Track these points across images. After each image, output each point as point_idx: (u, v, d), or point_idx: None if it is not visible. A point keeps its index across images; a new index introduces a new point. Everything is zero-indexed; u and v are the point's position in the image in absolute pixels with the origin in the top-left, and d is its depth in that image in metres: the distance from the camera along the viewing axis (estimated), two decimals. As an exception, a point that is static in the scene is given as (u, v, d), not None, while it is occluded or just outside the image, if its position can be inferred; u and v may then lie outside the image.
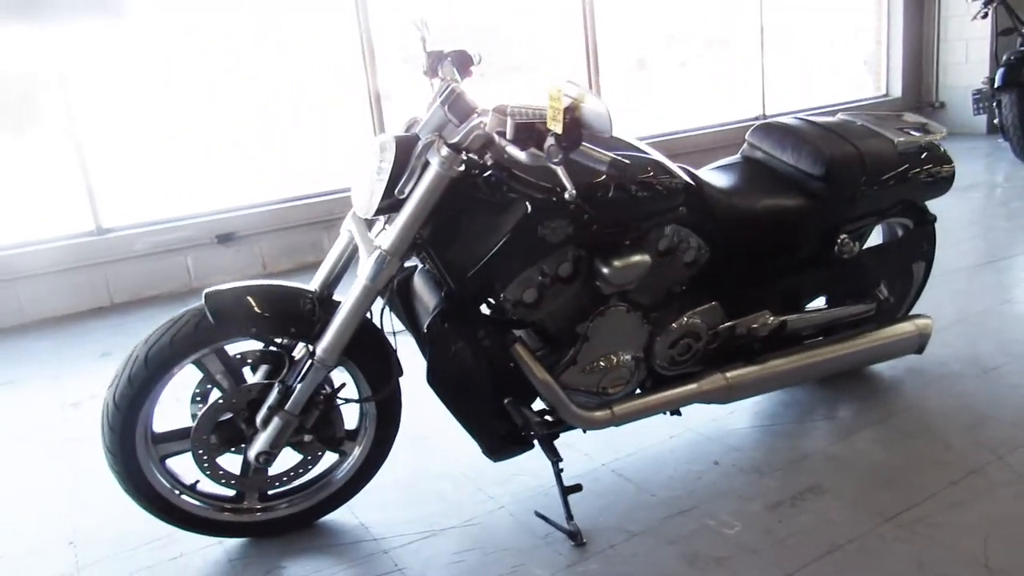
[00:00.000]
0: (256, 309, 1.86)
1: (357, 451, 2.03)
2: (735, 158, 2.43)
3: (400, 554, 1.95)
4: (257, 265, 4.64)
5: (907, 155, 2.32)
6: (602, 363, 1.99)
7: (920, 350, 2.44)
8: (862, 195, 2.25)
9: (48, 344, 3.73)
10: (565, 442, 2.11)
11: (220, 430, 1.91)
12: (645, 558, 1.85)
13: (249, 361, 1.95)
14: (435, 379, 1.87)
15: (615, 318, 1.97)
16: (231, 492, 1.99)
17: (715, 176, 2.28)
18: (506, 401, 1.95)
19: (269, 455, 1.88)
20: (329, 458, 2.06)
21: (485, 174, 1.75)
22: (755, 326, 2.18)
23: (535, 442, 2.00)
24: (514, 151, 1.60)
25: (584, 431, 2.08)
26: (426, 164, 1.73)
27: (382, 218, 1.92)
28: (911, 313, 2.58)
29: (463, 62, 2.03)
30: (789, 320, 2.25)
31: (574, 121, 1.50)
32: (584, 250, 1.89)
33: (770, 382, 2.25)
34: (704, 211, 2.05)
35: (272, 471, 1.98)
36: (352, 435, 2.04)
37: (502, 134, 1.62)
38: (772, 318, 2.21)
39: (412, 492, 2.20)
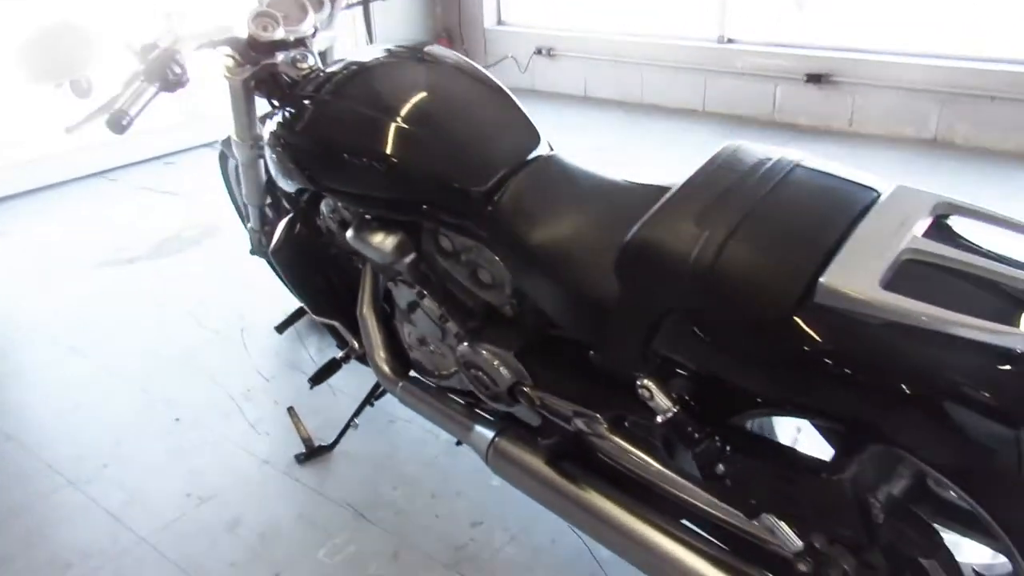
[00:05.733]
0: None
1: None
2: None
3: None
4: (844, 117, 4.32)
5: None
6: (410, 333, 1.82)
7: None
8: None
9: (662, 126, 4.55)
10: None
11: None
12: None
13: None
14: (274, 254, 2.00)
15: (402, 292, 1.75)
16: None
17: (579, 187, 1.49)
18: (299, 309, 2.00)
19: None
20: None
21: None
22: (558, 411, 1.53)
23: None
24: None
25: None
26: None
27: None
28: None
29: None
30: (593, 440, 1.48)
31: None
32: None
33: (534, 485, 1.57)
34: (498, 229, 1.47)
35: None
36: None
37: None
38: (581, 418, 1.48)
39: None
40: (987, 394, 0.96)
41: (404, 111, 1.58)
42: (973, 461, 0.98)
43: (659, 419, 1.26)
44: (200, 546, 1.76)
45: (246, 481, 1.95)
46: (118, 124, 1.49)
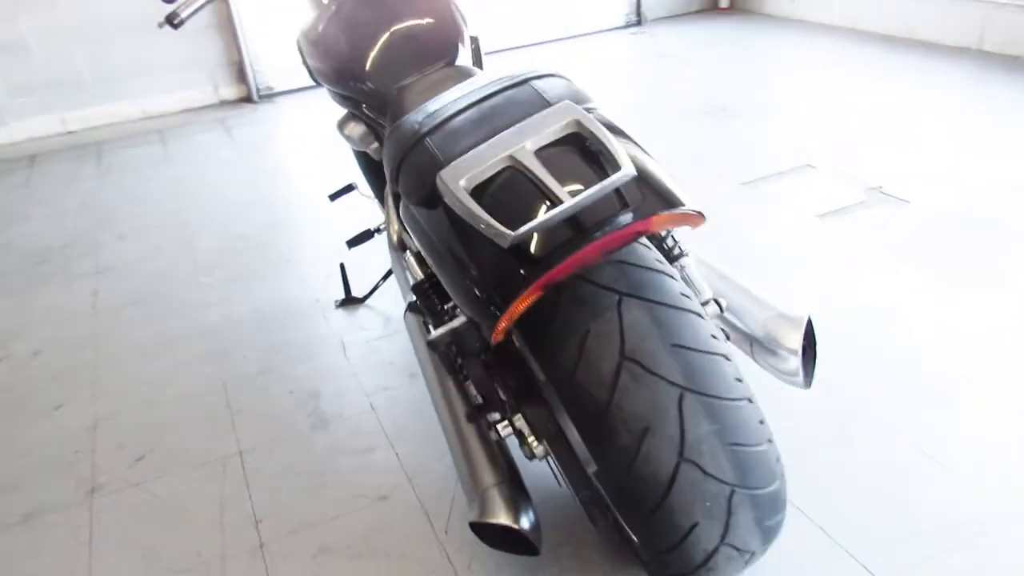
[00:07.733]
0: None
1: None
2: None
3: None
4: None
5: None
6: None
7: None
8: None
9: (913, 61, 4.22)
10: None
11: None
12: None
13: None
14: None
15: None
16: None
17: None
18: None
19: None
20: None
21: None
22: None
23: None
24: None
25: None
26: None
27: None
28: None
29: None
30: None
31: None
32: None
33: (418, 353, 1.74)
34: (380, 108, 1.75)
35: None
36: None
37: None
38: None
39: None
40: (492, 280, 1.08)
41: (363, 21, 1.90)
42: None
43: (411, 284, 1.50)
44: (227, 336, 2.37)
45: (294, 310, 2.50)
46: (171, 23, 2.02)
